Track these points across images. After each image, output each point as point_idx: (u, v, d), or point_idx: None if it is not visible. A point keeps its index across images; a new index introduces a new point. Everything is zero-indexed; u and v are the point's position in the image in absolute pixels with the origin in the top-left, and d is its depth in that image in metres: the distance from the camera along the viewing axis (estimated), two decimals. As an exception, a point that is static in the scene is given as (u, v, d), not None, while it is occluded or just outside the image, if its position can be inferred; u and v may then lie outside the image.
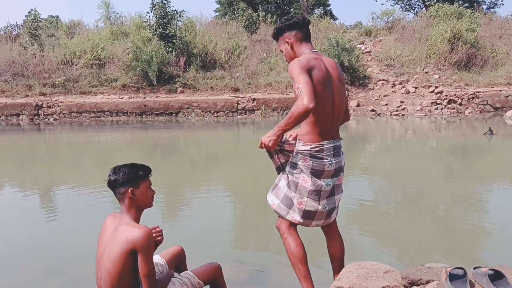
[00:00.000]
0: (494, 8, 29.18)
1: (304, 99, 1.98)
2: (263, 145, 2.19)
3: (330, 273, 2.64)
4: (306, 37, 2.29)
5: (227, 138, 10.90)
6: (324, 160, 2.23)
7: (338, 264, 2.52)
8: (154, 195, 2.24)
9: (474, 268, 1.94)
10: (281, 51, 2.40)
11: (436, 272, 2.00)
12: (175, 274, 2.39)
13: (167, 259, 2.50)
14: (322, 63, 2.20)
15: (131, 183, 2.13)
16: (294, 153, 2.30)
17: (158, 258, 2.44)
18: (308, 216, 2.33)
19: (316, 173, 2.25)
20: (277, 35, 2.39)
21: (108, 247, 2.05)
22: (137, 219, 2.16)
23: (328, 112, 2.22)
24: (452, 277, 1.85)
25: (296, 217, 2.34)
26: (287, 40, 2.31)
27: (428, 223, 4.28)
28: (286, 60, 2.35)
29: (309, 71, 2.09)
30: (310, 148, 2.23)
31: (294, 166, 2.30)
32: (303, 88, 2.01)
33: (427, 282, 1.93)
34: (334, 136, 2.30)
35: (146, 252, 2.00)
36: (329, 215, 2.41)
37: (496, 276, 1.84)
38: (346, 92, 12.95)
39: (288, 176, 2.33)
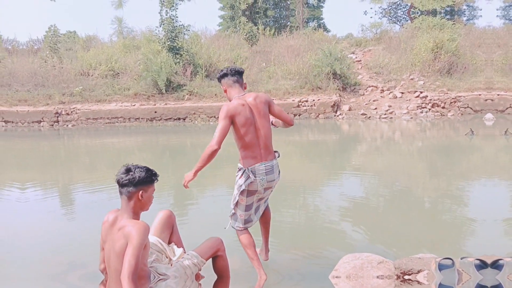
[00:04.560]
0: (473, 19, 29.11)
1: (212, 141, 2.45)
2: (185, 183, 2.61)
3: (328, 264, 2.61)
4: (236, 83, 2.69)
5: (230, 141, 10.87)
6: (257, 179, 2.56)
7: (265, 227, 2.91)
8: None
9: (461, 258, 1.92)
10: (225, 91, 2.76)
11: (426, 262, 1.98)
12: (169, 253, 2.32)
13: (160, 231, 2.40)
14: (247, 107, 2.55)
15: (143, 186, 2.09)
16: (236, 173, 2.67)
17: (154, 239, 2.33)
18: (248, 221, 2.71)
19: (250, 193, 2.61)
20: (219, 81, 2.81)
21: (112, 247, 2.01)
22: (137, 217, 2.11)
23: (255, 143, 2.58)
24: (441, 267, 1.83)
25: (240, 224, 2.71)
26: (222, 86, 2.75)
27: (416, 217, 4.26)
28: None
29: (232, 117, 2.50)
30: (247, 168, 2.58)
31: (237, 189, 2.64)
32: (216, 133, 2.47)
33: (418, 271, 1.91)
34: (265, 159, 2.61)
35: (133, 245, 1.90)
36: (257, 211, 2.77)
37: (482, 265, 1.82)
38: (339, 97, 12.78)
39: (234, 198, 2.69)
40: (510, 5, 19.69)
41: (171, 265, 2.24)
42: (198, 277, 2.44)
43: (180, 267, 2.23)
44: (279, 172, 2.70)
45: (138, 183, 2.07)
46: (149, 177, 2.11)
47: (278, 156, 2.71)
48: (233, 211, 2.71)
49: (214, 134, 2.46)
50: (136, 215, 2.10)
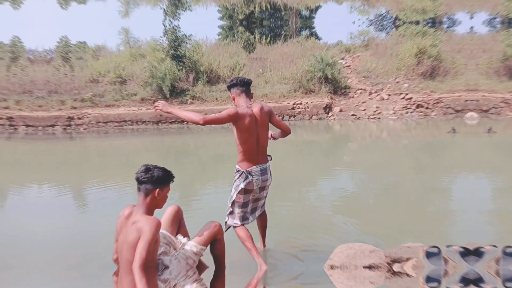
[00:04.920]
0: (453, 26, 29.17)
1: (204, 117, 2.51)
2: (158, 108, 2.63)
3: (324, 253, 2.60)
4: (244, 93, 2.74)
5: (231, 141, 10.86)
6: (253, 179, 2.67)
7: (262, 229, 2.99)
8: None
9: (447, 246, 1.92)
10: (233, 99, 2.82)
11: (414, 251, 1.98)
12: (177, 245, 2.30)
13: (168, 225, 2.39)
14: (253, 117, 2.66)
15: (160, 184, 2.09)
16: (235, 174, 2.74)
17: (163, 232, 2.31)
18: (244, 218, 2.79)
19: (247, 191, 2.70)
20: (228, 90, 2.86)
21: (125, 239, 2.01)
22: (151, 213, 2.11)
23: (254, 149, 2.69)
24: (428, 255, 1.83)
25: (237, 221, 2.77)
26: (231, 94, 2.81)
27: (403, 209, 4.26)
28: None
29: (235, 120, 2.60)
30: (245, 170, 2.69)
31: (234, 188, 2.73)
32: (213, 116, 2.58)
33: (407, 259, 1.92)
34: (260, 162, 2.73)
35: (145, 238, 1.90)
36: (253, 212, 2.84)
37: (466, 253, 1.82)
38: (331, 100, 12.79)
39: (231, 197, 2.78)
40: (495, 17, 19.75)
41: (175, 256, 2.23)
42: (203, 267, 2.44)
43: (181, 258, 2.22)
44: (271, 173, 2.84)
45: (156, 182, 2.08)
46: (166, 177, 2.11)
47: (271, 160, 2.85)
48: (230, 209, 2.79)
49: (214, 115, 2.58)
50: (150, 211, 2.10)
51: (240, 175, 2.71)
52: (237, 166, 2.76)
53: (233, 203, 2.76)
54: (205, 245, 2.35)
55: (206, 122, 2.50)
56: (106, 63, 18.09)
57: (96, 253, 3.12)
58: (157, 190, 2.08)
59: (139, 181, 2.10)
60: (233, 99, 2.81)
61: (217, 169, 7.21)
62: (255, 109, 2.70)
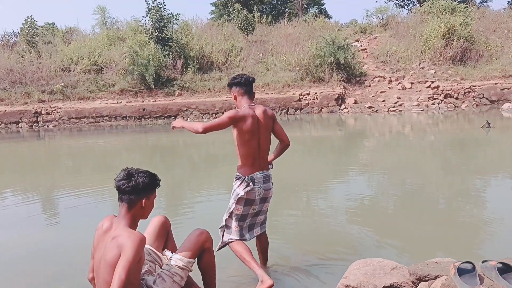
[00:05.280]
0: (487, 2, 29.24)
1: (203, 125, 2.63)
2: (176, 127, 2.83)
3: (337, 271, 2.60)
4: (246, 93, 2.88)
5: (226, 139, 10.87)
6: (256, 187, 2.76)
7: (263, 254, 3.05)
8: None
9: (483, 262, 1.91)
10: (234, 98, 2.93)
11: (443, 267, 1.97)
12: (163, 262, 2.29)
13: (154, 239, 2.37)
14: (256, 118, 2.78)
15: (146, 192, 2.07)
16: (235, 182, 2.82)
17: (146, 248, 2.30)
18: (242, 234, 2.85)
19: (247, 202, 2.77)
20: (229, 87, 2.96)
21: (103, 257, 1.99)
22: (134, 226, 2.08)
23: (255, 152, 2.80)
24: (461, 272, 1.82)
25: (234, 237, 2.81)
26: (233, 93, 2.91)
27: (429, 217, 4.25)
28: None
29: (236, 122, 2.73)
30: (247, 176, 2.76)
31: (234, 198, 2.78)
32: (212, 122, 2.69)
33: (436, 277, 1.90)
34: (262, 168, 2.84)
35: (126, 257, 1.87)
36: (251, 229, 2.92)
37: (505, 269, 1.81)
38: (344, 90, 12.90)
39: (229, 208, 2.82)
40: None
41: (158, 274, 2.21)
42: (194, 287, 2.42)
43: (166, 276, 2.20)
44: (272, 183, 2.93)
45: (142, 190, 2.04)
46: (152, 182, 2.09)
47: (272, 167, 2.95)
48: (225, 222, 2.83)
49: (213, 120, 2.66)
50: (134, 224, 2.07)
51: (241, 183, 2.77)
52: (237, 173, 2.83)
53: (230, 215, 2.79)
54: (193, 257, 2.32)
55: (206, 130, 2.62)
56: (79, 48, 18.10)
57: (67, 272, 3.12)
58: (144, 199, 2.06)
59: (121, 191, 2.07)
60: (235, 98, 2.91)
61: (210, 171, 7.21)
62: (258, 111, 2.84)
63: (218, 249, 2.78)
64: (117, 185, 2.06)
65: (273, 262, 3.14)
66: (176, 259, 2.26)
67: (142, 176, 2.06)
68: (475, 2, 25.20)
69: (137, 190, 2.04)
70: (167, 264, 2.25)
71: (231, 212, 2.78)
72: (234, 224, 2.79)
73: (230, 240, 2.79)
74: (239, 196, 2.74)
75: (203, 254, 2.39)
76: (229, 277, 2.91)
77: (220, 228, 2.85)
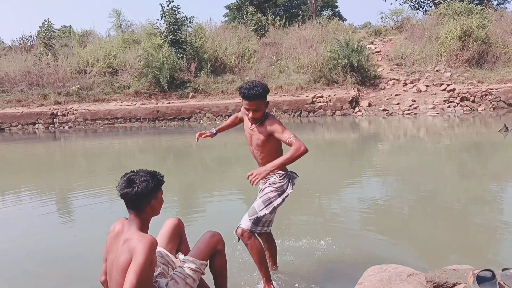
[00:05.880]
0: (504, 3, 28.70)
1: (302, 145, 2.56)
2: (255, 178, 2.53)
3: (351, 278, 2.55)
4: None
5: (239, 141, 10.87)
6: (295, 181, 2.85)
7: (273, 258, 3.04)
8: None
9: (503, 270, 1.85)
10: (255, 109, 2.75)
11: (462, 274, 1.91)
12: (176, 265, 2.28)
13: (167, 242, 2.37)
14: None
15: (152, 195, 2.05)
16: (279, 179, 2.80)
17: (160, 250, 2.30)
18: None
19: (285, 197, 2.78)
20: (261, 96, 2.74)
21: (116, 260, 1.98)
22: (145, 227, 2.07)
23: None
24: (480, 280, 1.76)
25: (262, 228, 2.76)
26: (261, 105, 2.75)
27: (445, 222, 4.17)
28: (253, 117, 2.78)
29: None
30: (290, 171, 2.85)
31: (280, 195, 2.77)
32: (296, 138, 2.61)
33: (454, 285, 1.85)
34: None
35: (137, 261, 1.85)
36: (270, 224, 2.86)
37: (527, 278, 1.75)
38: (358, 92, 12.78)
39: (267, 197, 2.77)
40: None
41: (171, 277, 2.20)
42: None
43: (178, 278, 2.18)
44: None
45: (147, 195, 2.03)
46: (156, 182, 2.07)
47: None
48: (261, 215, 2.73)
49: (291, 138, 2.62)
50: (145, 225, 2.06)
51: (288, 180, 2.81)
52: (278, 172, 2.80)
53: (273, 210, 2.76)
54: (205, 259, 2.31)
55: (303, 144, 2.59)
56: (94, 50, 18.33)
57: (79, 274, 3.13)
58: (152, 202, 2.05)
59: (126, 200, 2.03)
60: (262, 109, 2.80)
61: (222, 174, 7.21)
62: None
63: (240, 238, 2.70)
64: (121, 193, 2.02)
65: (285, 265, 3.11)
66: (189, 262, 2.24)
67: (144, 180, 2.01)
68: (492, 4, 24.80)
69: (143, 196, 2.00)
70: (179, 267, 2.24)
71: (274, 207, 2.74)
72: (267, 217, 2.74)
73: (258, 231, 2.71)
74: (288, 194, 2.78)
75: (215, 256, 2.38)
76: (241, 279, 2.89)
77: (252, 221, 2.72)
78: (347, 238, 3.74)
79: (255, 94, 2.69)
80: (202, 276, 2.32)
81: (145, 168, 2.12)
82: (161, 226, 2.49)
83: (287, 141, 2.65)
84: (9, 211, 5.21)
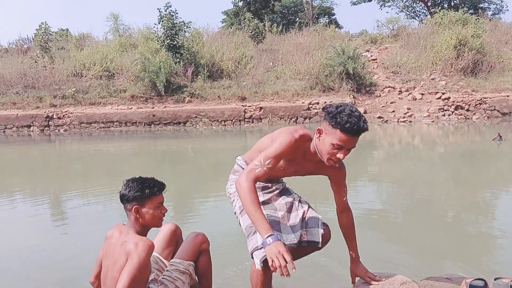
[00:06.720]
0: (499, 14, 29.05)
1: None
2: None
3: (343, 286, 2.54)
4: None
5: (235, 146, 10.86)
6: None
7: None
8: (164, 213, 2.16)
9: (495, 279, 1.86)
10: (319, 132, 2.16)
11: (455, 283, 1.92)
12: (166, 267, 2.29)
13: (163, 247, 2.37)
14: None
15: (137, 201, 2.06)
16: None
17: (154, 256, 2.30)
18: None
19: None
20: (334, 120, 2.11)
21: (112, 265, 1.98)
22: (142, 234, 2.08)
23: None
24: (472, 289, 1.77)
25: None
26: (325, 131, 2.15)
27: (439, 231, 4.18)
28: (343, 158, 2.23)
29: None
30: None
31: None
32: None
33: (446, 294, 1.86)
34: None
35: (132, 263, 1.85)
36: None
37: (519, 287, 1.76)
38: (353, 99, 12.83)
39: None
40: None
41: (161, 282, 2.19)
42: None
43: (168, 282, 2.18)
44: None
45: (131, 199, 2.05)
46: (141, 190, 2.07)
47: None
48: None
49: (346, 197, 2.53)
50: (142, 232, 2.07)
51: None
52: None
53: None
54: (192, 260, 2.31)
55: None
56: (91, 54, 18.30)
57: (72, 278, 3.10)
58: (134, 207, 2.06)
59: (120, 201, 2.13)
60: (321, 133, 2.15)
61: (218, 179, 7.19)
62: None
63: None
64: (119, 197, 2.15)
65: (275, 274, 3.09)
66: (176, 263, 2.24)
67: (130, 184, 2.08)
68: (487, 14, 25.08)
69: (127, 199, 2.07)
70: (167, 270, 2.24)
71: None
72: None
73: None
74: None
75: (200, 256, 2.37)
76: (226, 278, 2.87)
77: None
78: (340, 246, 3.73)
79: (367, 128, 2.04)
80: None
81: (144, 176, 2.18)
82: (158, 232, 2.48)
83: (343, 199, 2.45)
84: (1, 215, 5.16)
